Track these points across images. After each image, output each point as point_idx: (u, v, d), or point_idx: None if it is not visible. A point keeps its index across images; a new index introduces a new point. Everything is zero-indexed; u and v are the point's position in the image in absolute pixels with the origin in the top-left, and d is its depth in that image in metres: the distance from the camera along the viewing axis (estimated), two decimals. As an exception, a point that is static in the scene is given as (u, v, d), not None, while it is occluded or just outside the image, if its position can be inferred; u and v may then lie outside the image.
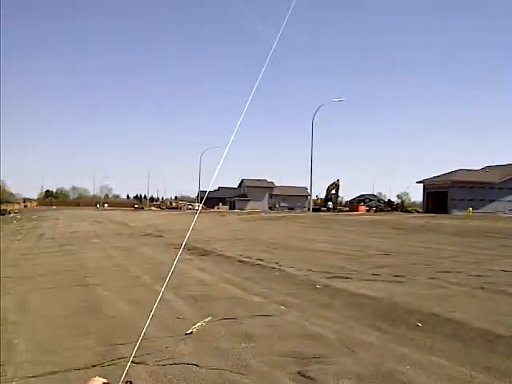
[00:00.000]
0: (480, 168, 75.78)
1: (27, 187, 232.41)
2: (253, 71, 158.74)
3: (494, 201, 65.97)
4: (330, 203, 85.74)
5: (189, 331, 6.10)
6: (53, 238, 22.50)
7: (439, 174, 72.64)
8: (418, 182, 75.33)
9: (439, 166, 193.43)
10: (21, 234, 26.16)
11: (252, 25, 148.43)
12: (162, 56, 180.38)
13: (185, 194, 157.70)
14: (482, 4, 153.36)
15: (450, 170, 72.44)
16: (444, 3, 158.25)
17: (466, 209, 62.63)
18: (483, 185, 66.41)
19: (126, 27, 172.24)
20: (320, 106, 62.35)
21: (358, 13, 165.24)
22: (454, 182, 66.19)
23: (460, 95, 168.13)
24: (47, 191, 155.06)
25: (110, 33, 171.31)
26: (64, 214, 57.85)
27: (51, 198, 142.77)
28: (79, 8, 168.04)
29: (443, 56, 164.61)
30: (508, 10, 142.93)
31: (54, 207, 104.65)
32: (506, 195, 66.33)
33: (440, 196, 68.81)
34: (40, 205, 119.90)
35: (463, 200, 65.20)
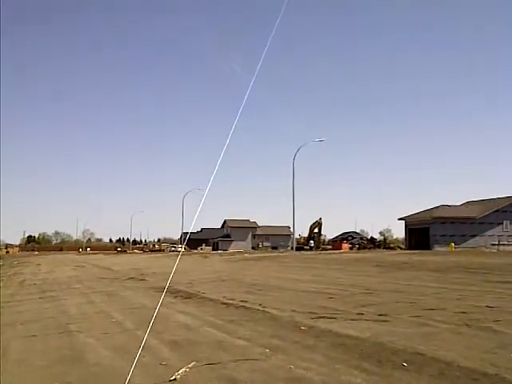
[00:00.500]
0: (460, 203, 76.59)
1: (9, 233, 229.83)
2: (234, 112, 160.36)
3: (475, 236, 66.55)
4: (311, 242, 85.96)
5: (172, 378, 6.00)
6: (34, 284, 22.17)
7: (420, 211, 73.29)
8: (399, 219, 75.86)
9: (420, 202, 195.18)
10: (2, 280, 25.74)
11: (231, 67, 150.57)
12: (139, 100, 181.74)
13: (168, 236, 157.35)
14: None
15: (430, 206, 73.18)
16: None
17: (448, 244, 63.02)
18: (464, 220, 67.10)
19: (104, 72, 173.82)
20: (300, 147, 63.03)
21: (335, 50, 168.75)
22: (435, 218, 66.79)
23: (439, 131, 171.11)
24: (29, 236, 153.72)
25: (90, 80, 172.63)
26: (46, 260, 57.17)
27: (33, 244, 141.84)
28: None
29: (423, 90, 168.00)
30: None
31: (37, 252, 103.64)
32: (487, 230, 67.00)
33: (422, 232, 69.33)
34: (22, 250, 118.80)
35: (445, 236, 65.71)
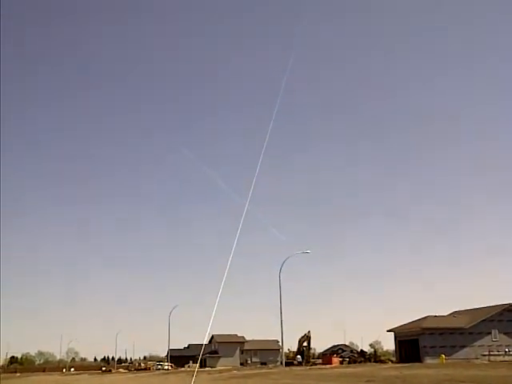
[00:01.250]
0: (448, 314, 76.53)
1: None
2: (218, 228, 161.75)
3: (465, 346, 66.00)
4: (298, 356, 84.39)
5: None
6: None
7: (408, 322, 72.99)
8: (388, 331, 75.33)
9: (409, 313, 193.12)
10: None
11: (219, 184, 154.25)
12: (126, 219, 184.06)
13: (154, 352, 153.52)
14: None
15: (418, 317, 72.94)
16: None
17: (438, 356, 62.37)
18: (453, 330, 66.86)
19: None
20: (286, 259, 63.77)
21: (317, 160, 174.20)
22: (424, 329, 66.55)
23: (424, 243, 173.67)
24: (12, 357, 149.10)
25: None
26: (28, 382, 55.61)
27: (16, 365, 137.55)
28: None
29: (407, 204, 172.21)
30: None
31: (18, 374, 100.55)
32: (477, 340, 66.57)
33: (412, 344, 68.77)
34: (4, 372, 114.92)
35: (435, 347, 65.16)
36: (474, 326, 67.18)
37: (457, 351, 65.33)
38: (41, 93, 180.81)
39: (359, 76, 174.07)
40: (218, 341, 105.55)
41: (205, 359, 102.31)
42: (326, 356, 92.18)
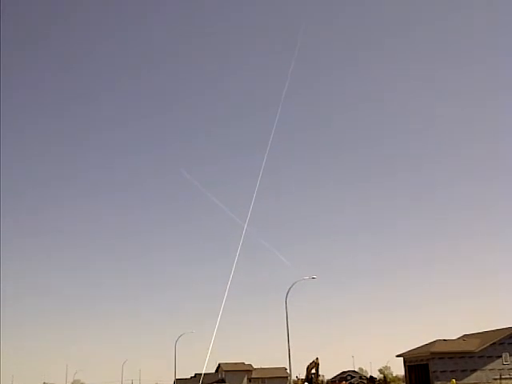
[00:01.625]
0: (457, 337, 75.55)
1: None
2: (221, 253, 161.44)
3: (475, 370, 64.92)
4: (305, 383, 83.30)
5: None
6: None
7: (417, 347, 72.05)
8: (397, 356, 74.37)
9: (417, 337, 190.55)
10: None
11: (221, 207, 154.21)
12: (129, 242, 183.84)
13: (160, 383, 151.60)
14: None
15: (427, 341, 72.01)
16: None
17: (449, 380, 61.42)
18: (463, 354, 65.84)
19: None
20: (293, 284, 63.12)
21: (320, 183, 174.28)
22: (434, 354, 65.60)
23: (434, 267, 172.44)
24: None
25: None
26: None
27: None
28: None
29: (416, 224, 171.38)
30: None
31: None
32: (487, 364, 65.49)
33: (421, 369, 67.82)
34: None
35: (445, 372, 64.17)
36: (484, 349, 66.17)
37: (467, 375, 64.31)
38: (44, 103, 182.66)
39: (359, 86, 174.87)
40: (225, 369, 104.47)
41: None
42: (335, 383, 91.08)
